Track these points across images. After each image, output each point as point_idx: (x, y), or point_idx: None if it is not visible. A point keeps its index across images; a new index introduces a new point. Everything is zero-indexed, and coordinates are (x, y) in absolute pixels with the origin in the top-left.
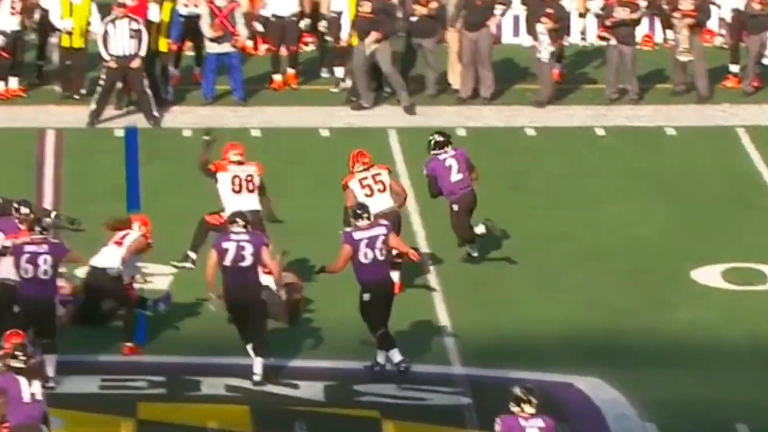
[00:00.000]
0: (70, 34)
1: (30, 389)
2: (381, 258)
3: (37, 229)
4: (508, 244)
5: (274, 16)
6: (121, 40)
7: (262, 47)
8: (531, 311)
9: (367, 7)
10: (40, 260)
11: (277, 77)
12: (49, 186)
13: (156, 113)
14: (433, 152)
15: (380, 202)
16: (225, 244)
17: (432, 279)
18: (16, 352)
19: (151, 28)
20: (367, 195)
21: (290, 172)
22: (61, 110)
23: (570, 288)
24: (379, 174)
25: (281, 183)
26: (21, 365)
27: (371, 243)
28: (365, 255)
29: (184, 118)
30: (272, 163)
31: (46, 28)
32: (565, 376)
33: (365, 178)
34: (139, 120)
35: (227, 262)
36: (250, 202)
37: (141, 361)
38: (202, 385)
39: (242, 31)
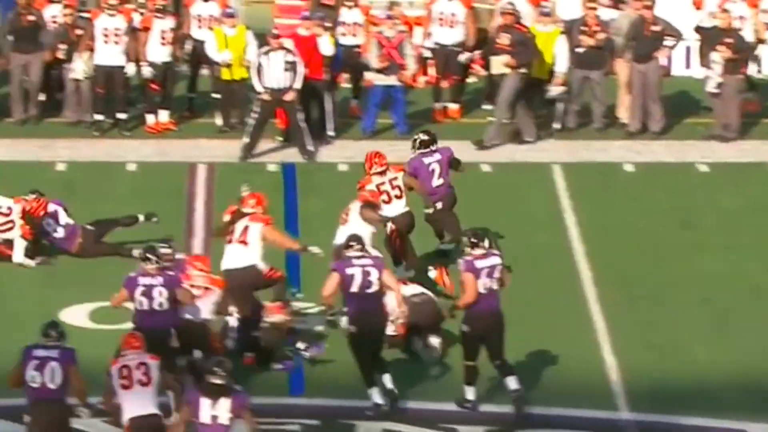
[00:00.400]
0: (228, 66)
1: (212, 411)
2: (495, 288)
3: (152, 258)
4: (677, 282)
5: (437, 44)
6: (275, 73)
7: (422, 79)
8: (702, 353)
9: (505, 39)
10: (155, 292)
11: (438, 107)
12: (200, 221)
13: (310, 147)
14: (418, 151)
15: (397, 208)
16: (350, 270)
17: (596, 317)
18: (215, 368)
19: (322, 60)
20: (384, 201)
21: None
22: (212, 144)
23: (743, 329)
24: (395, 178)
25: None
26: (219, 381)
27: (491, 272)
28: (484, 285)
29: (340, 152)
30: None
31: (198, 59)
32: (739, 422)
33: (383, 183)
34: (292, 154)
35: (354, 288)
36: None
37: (295, 404)
38: (358, 430)
39: (410, 63)
